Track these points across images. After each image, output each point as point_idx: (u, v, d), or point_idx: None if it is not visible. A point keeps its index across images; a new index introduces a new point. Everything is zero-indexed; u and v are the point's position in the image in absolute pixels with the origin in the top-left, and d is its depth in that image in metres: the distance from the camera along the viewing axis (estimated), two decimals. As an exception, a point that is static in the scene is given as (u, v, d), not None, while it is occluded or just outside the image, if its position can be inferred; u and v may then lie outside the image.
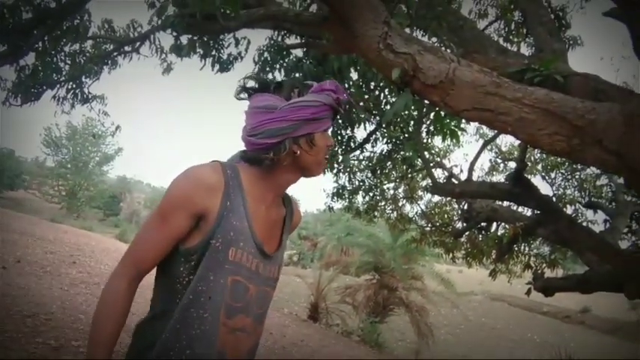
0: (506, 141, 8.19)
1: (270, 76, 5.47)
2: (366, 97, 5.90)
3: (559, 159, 7.01)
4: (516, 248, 6.82)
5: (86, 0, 5.23)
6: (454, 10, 3.86)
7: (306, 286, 13.37)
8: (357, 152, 7.46)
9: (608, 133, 1.87)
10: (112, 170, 42.72)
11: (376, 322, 12.00)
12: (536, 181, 7.64)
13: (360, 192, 8.06)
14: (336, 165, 7.37)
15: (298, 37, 5.26)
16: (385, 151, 7.23)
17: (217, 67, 5.64)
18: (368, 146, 7.29)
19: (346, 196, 8.03)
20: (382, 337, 11.52)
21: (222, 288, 1.27)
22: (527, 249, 7.35)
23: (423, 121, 5.92)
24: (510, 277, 8.33)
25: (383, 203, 8.76)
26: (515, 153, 7.11)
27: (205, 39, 5.24)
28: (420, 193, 8.63)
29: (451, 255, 8.17)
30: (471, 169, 5.88)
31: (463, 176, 6.57)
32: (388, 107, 5.86)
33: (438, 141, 7.25)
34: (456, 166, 8.38)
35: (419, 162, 6.88)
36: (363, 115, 6.03)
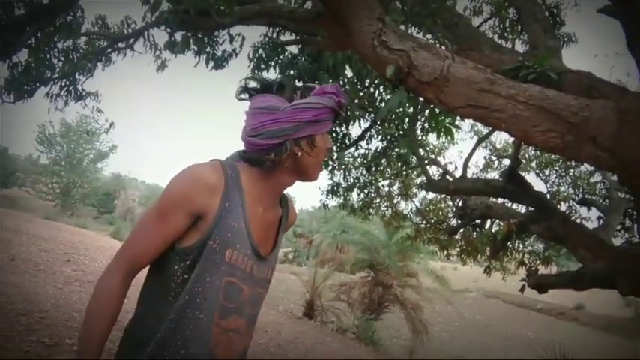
0: (501, 138, 8.24)
1: (264, 73, 5.46)
2: (361, 94, 5.90)
3: (553, 156, 7.04)
4: (510, 245, 6.86)
5: (79, -4, 5.20)
6: (449, 7, 3.85)
7: (302, 283, 13.37)
8: (352, 149, 7.46)
9: (602, 130, 1.87)
10: (107, 168, 42.50)
11: (371, 320, 12.02)
12: (531, 178, 7.69)
13: (355, 189, 8.06)
14: (331, 162, 7.37)
15: (293, 34, 5.25)
16: (380, 148, 7.24)
17: (212, 64, 5.63)
18: (363, 143, 7.30)
19: (341, 193, 8.03)
20: (377, 334, 11.55)
21: (218, 289, 1.28)
22: (521, 246, 7.39)
23: (417, 119, 5.93)
24: (505, 274, 8.38)
25: (378, 200, 8.77)
26: (510, 150, 7.13)
27: (200, 35, 5.22)
28: (414, 190, 8.65)
29: (446, 252, 8.19)
30: (465, 167, 5.88)
31: (458, 173, 6.59)
32: (383, 104, 5.86)
33: (432, 138, 7.28)
34: (451, 163, 8.42)
35: (413, 159, 6.90)
36: (357, 113, 6.03)
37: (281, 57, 5.51)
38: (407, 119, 6.28)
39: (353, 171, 7.91)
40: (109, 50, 6.39)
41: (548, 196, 6.61)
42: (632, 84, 5.59)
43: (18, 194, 39.12)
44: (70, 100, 6.44)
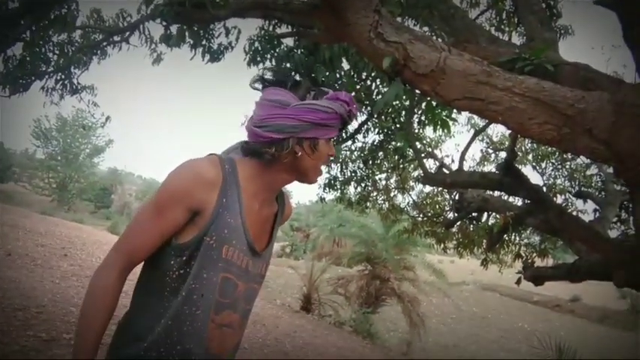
0: (498, 131, 8.23)
1: (260, 65, 5.43)
2: (358, 87, 5.88)
3: (549, 149, 7.05)
4: (507, 238, 6.87)
5: (73, -11, 5.17)
6: (445, -1, 3.84)
7: (299, 277, 13.40)
8: (349, 143, 7.46)
9: (598, 122, 1.87)
10: (103, 162, 42.57)
11: (368, 313, 12.06)
12: (527, 171, 7.70)
13: (352, 183, 8.06)
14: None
15: (289, 27, 5.22)
16: (377, 141, 7.24)
17: (208, 57, 5.59)
18: (359, 137, 7.30)
19: (338, 187, 8.03)
20: (374, 327, 11.59)
21: (214, 285, 1.28)
22: (517, 239, 7.41)
23: (414, 111, 5.92)
24: (501, 266, 8.40)
25: (375, 194, 8.78)
26: (507, 143, 7.13)
27: (195, 28, 5.19)
28: (411, 183, 8.65)
29: (442, 245, 8.21)
30: (462, 159, 5.89)
31: (454, 166, 6.60)
32: (380, 97, 5.85)
33: (429, 131, 7.27)
34: (448, 156, 8.41)
35: (410, 152, 6.90)
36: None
37: (277, 50, 5.48)
38: (403, 112, 6.27)
39: (350, 164, 7.92)
40: (105, 43, 6.34)
41: (544, 189, 6.62)
42: (628, 76, 5.59)
43: (14, 189, 39.03)
44: (66, 94, 6.40)
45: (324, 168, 1.43)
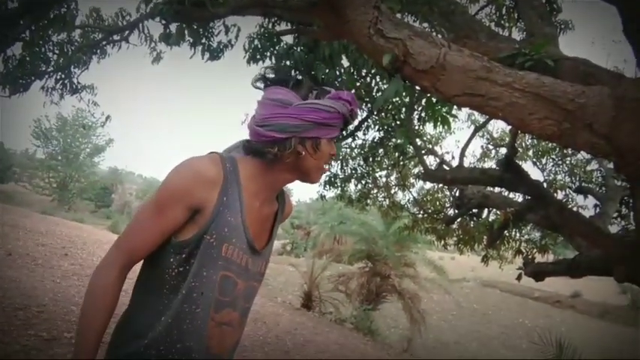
0: (498, 127, 8.24)
1: (260, 64, 5.43)
2: (358, 84, 5.88)
3: (550, 145, 7.05)
4: (507, 234, 6.88)
5: (72, -12, 5.16)
6: (445, -5, 3.83)
7: (300, 274, 13.40)
8: (349, 140, 7.45)
9: (598, 116, 1.87)
10: (103, 162, 42.53)
11: (369, 310, 12.08)
12: (527, 167, 7.69)
13: (353, 180, 8.05)
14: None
15: (289, 24, 5.21)
16: (377, 138, 7.23)
17: (207, 55, 5.59)
18: (360, 134, 7.29)
19: (338, 184, 8.03)
20: (375, 324, 11.60)
21: (214, 283, 1.28)
22: (518, 235, 7.42)
23: (414, 108, 5.92)
24: (502, 262, 8.41)
25: (375, 191, 8.78)
26: (507, 139, 7.13)
27: (195, 27, 5.19)
28: (411, 180, 8.65)
29: (443, 242, 8.21)
30: (462, 156, 5.89)
31: (455, 163, 6.60)
32: (379, 94, 5.84)
33: (429, 128, 7.28)
34: (448, 152, 8.41)
35: (410, 149, 6.89)
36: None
37: (277, 47, 5.48)
38: (403, 109, 6.27)
39: (350, 162, 7.91)
40: (104, 43, 6.34)
41: (544, 185, 6.62)
42: (629, 70, 5.60)
43: (14, 189, 39.00)
44: (66, 94, 6.40)
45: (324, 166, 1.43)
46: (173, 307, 1.25)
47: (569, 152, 7.15)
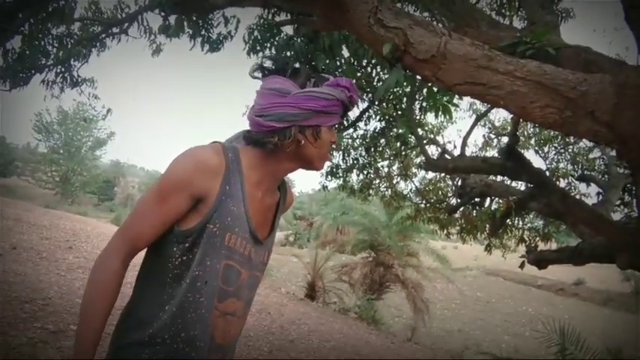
0: (500, 116, 8.19)
1: (260, 54, 5.40)
2: (358, 74, 5.86)
3: (552, 133, 7.03)
4: (510, 222, 6.87)
5: (70, -19, 5.13)
6: (445, -16, 3.80)
7: (303, 265, 13.46)
8: (351, 130, 7.44)
9: (600, 104, 1.86)
10: (105, 155, 42.62)
11: (373, 299, 12.13)
12: (530, 155, 7.66)
13: (355, 170, 8.05)
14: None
15: (288, 15, 5.19)
16: (378, 128, 7.21)
17: (207, 47, 5.57)
18: (361, 124, 7.28)
19: (340, 174, 8.02)
20: (379, 313, 11.67)
21: (217, 272, 1.28)
22: (520, 223, 7.40)
23: (415, 98, 5.90)
24: (504, 251, 8.42)
25: (377, 181, 8.77)
26: (509, 128, 7.10)
27: (194, 18, 5.17)
28: (414, 170, 8.64)
29: (446, 231, 8.22)
30: (464, 145, 5.87)
31: (456, 152, 6.57)
32: (380, 84, 5.82)
33: (431, 117, 7.25)
34: (450, 142, 8.38)
35: (412, 139, 6.88)
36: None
37: (277, 38, 5.45)
38: (405, 98, 6.24)
39: (352, 152, 7.90)
40: (103, 35, 6.31)
41: (547, 173, 6.61)
42: (631, 58, 5.56)
43: (17, 183, 39.17)
44: (66, 87, 6.38)
45: None
46: (177, 297, 1.25)
47: (572, 140, 7.13)
